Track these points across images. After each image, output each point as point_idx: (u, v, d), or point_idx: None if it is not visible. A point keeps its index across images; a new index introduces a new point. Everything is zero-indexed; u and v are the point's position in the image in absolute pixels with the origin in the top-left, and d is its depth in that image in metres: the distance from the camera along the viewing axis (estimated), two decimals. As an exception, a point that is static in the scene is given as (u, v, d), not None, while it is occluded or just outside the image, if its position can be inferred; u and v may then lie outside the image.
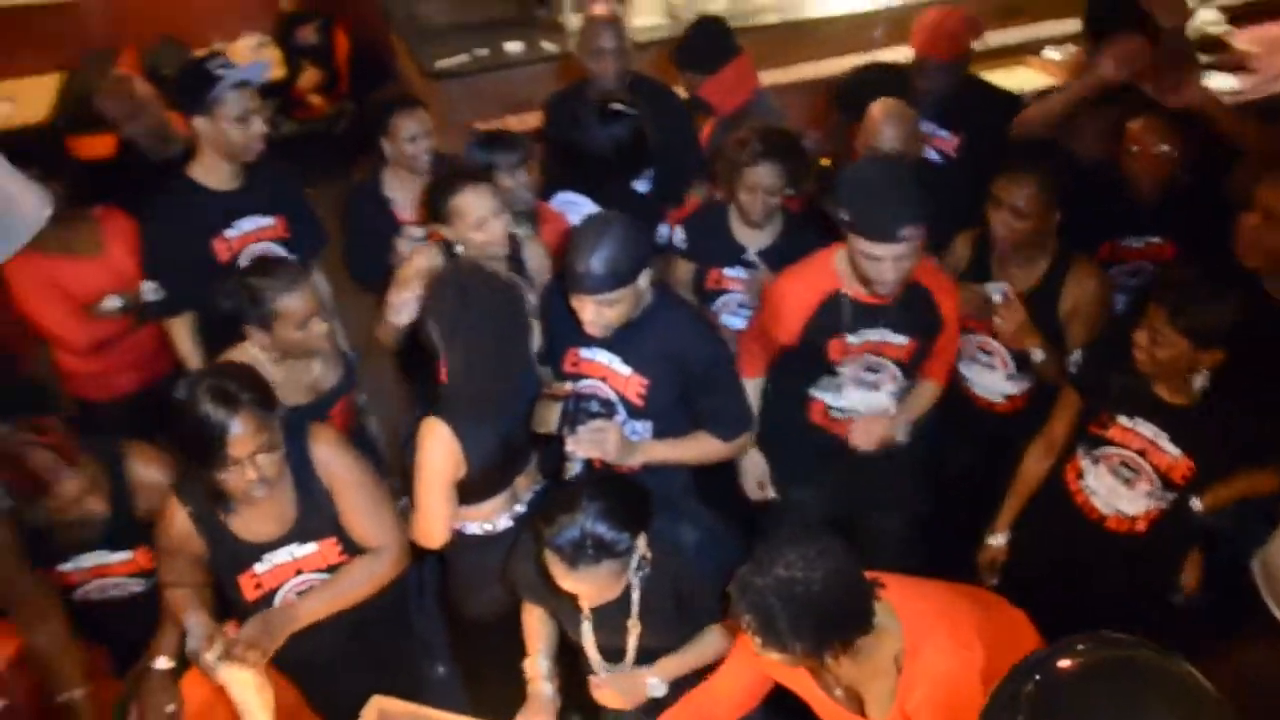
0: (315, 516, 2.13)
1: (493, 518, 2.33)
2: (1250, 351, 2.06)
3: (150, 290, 2.76)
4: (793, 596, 1.56)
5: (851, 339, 2.43)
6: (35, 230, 1.49)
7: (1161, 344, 2.07)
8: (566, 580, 1.85)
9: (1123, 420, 2.26)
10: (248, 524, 2.10)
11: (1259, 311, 2.16)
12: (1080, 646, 1.10)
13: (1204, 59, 4.80)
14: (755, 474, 2.72)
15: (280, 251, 2.82)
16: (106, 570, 2.32)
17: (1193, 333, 2.03)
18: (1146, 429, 2.22)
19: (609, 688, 2.12)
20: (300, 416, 2.32)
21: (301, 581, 2.17)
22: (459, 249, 2.52)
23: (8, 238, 1.45)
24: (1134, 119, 2.81)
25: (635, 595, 1.98)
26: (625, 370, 2.33)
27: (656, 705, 2.09)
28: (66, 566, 2.29)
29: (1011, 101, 3.40)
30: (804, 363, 2.54)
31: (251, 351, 2.39)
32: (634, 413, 2.36)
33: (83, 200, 2.91)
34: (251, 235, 2.79)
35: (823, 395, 2.56)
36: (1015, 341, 2.57)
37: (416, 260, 2.56)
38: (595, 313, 2.15)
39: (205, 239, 2.71)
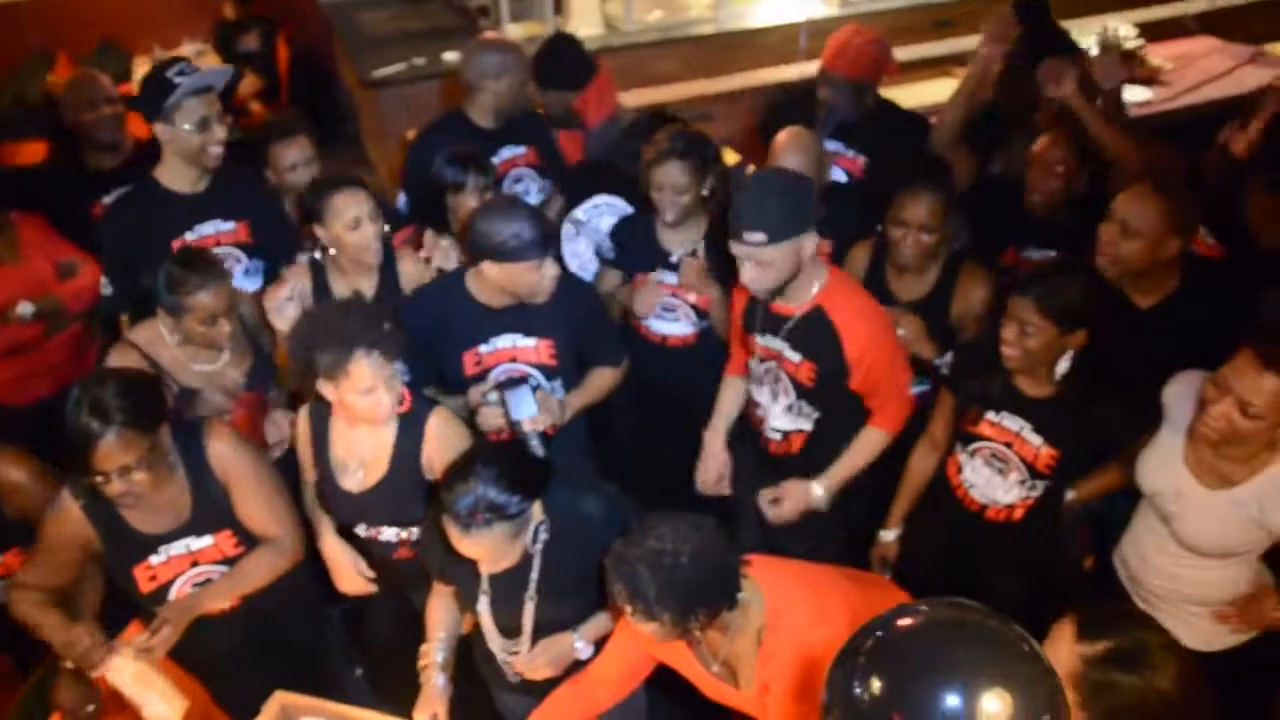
0: (211, 510, 2.17)
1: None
2: (1103, 348, 2.19)
3: (103, 286, 2.82)
4: (660, 567, 1.65)
5: (760, 340, 2.53)
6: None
7: (1031, 334, 2.16)
8: (463, 544, 1.91)
9: (990, 415, 2.36)
10: (143, 516, 2.13)
11: (1112, 311, 2.27)
12: (923, 608, 1.18)
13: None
14: (715, 465, 2.75)
15: (241, 257, 2.86)
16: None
17: (1060, 315, 2.13)
18: (1012, 422, 2.33)
19: (537, 658, 2.14)
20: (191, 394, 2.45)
21: (198, 573, 2.21)
22: (331, 252, 2.61)
23: None
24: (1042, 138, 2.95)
25: (535, 566, 2.04)
26: (531, 341, 2.52)
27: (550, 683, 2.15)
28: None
29: (918, 124, 3.50)
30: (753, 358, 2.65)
31: (160, 329, 2.47)
32: (549, 374, 2.56)
33: (2, 206, 2.93)
34: (210, 239, 2.82)
35: (749, 386, 2.66)
36: (916, 352, 2.67)
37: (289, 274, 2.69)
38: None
39: (165, 240, 2.73)
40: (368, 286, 2.67)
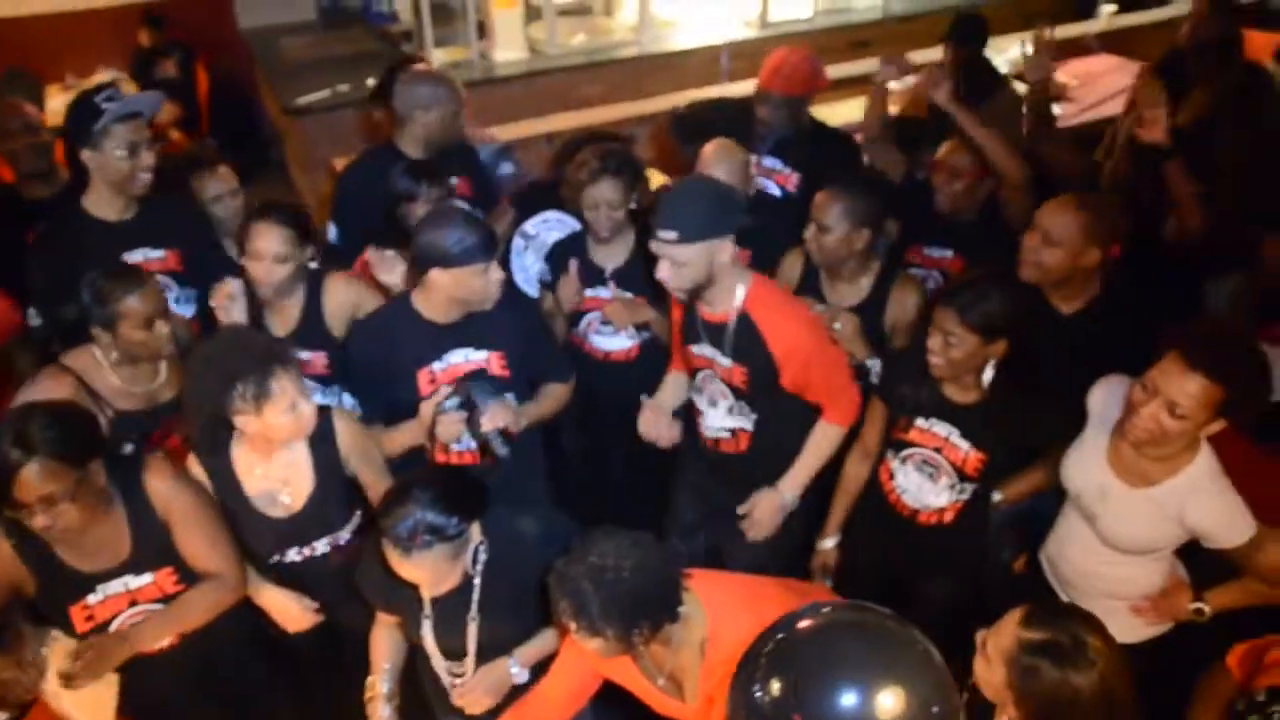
0: (150, 547, 2.12)
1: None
2: (1026, 353, 2.27)
3: (32, 316, 2.75)
4: (603, 582, 1.67)
5: (694, 349, 2.59)
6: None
7: (954, 344, 2.24)
8: (403, 567, 1.91)
9: (920, 422, 2.43)
10: (79, 554, 2.08)
11: (1030, 318, 2.36)
12: (824, 610, 1.22)
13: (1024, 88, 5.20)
14: (654, 414, 2.71)
15: (172, 285, 2.79)
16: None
17: (982, 326, 2.21)
18: (941, 428, 2.41)
19: (475, 687, 2.14)
20: (130, 424, 2.39)
21: (137, 612, 2.15)
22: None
23: None
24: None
25: (476, 585, 2.05)
26: (482, 354, 2.52)
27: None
28: None
29: (848, 142, 3.62)
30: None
31: (94, 353, 2.42)
32: (503, 387, 2.53)
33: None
34: (139, 266, 2.74)
35: (694, 396, 2.70)
36: (849, 350, 2.72)
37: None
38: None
39: (92, 269, 2.65)
40: (292, 314, 2.66)
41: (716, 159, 2.91)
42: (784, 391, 2.53)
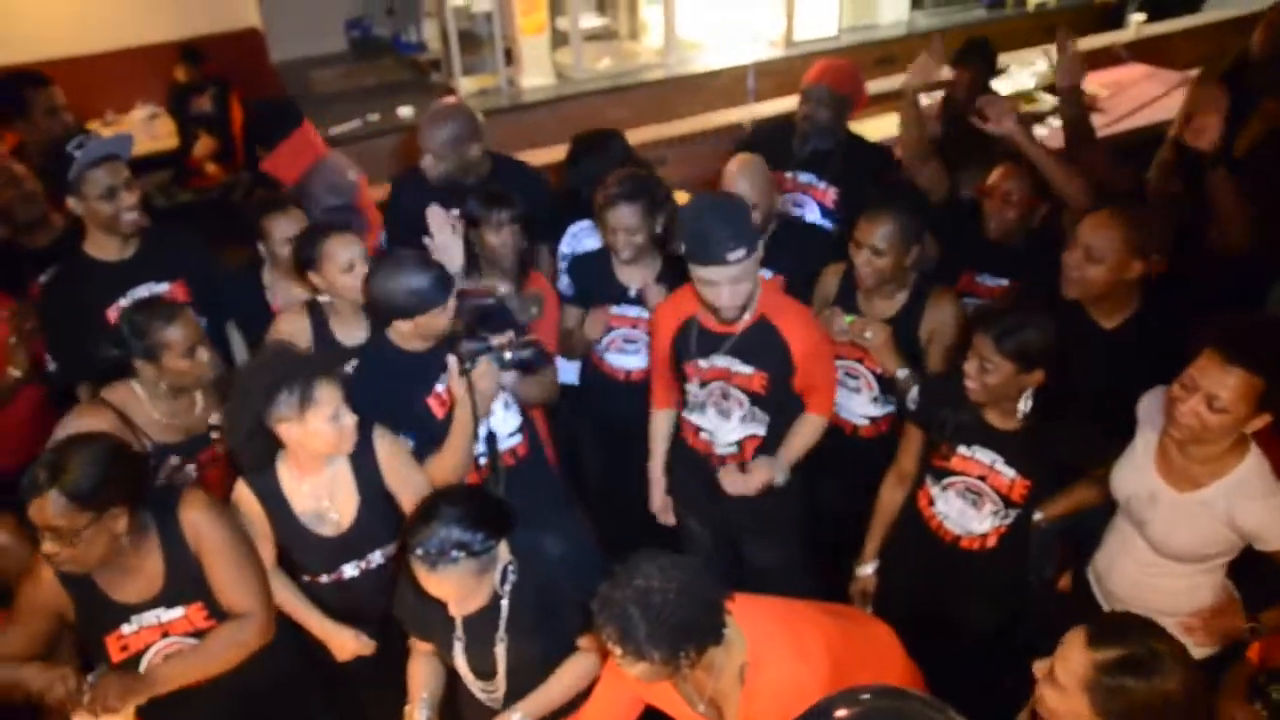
0: (182, 581, 2.14)
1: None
2: (1065, 376, 2.25)
3: (49, 362, 2.81)
4: (650, 605, 1.66)
5: (701, 363, 2.59)
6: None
7: (990, 371, 2.23)
8: (430, 582, 1.93)
9: (962, 450, 2.41)
10: (117, 585, 2.10)
11: (1073, 340, 2.34)
12: (863, 696, 1.19)
13: (1055, 100, 5.16)
14: (662, 495, 2.86)
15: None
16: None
17: (1018, 355, 2.19)
18: (984, 455, 2.38)
19: None
20: (168, 454, 2.43)
21: (168, 644, 2.17)
22: (322, 298, 2.67)
23: None
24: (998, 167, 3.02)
25: (504, 606, 2.06)
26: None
27: None
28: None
29: (884, 155, 3.59)
30: (681, 385, 2.70)
31: (133, 387, 2.47)
32: None
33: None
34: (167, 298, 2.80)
35: (690, 416, 2.70)
36: (880, 361, 2.71)
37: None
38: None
39: (99, 310, 2.73)
40: (361, 331, 2.70)
41: (742, 172, 2.92)
42: (791, 393, 2.57)
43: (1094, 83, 5.30)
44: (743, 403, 2.59)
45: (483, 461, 2.55)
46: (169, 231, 2.91)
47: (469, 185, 3.18)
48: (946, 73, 3.85)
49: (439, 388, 2.53)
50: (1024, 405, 2.28)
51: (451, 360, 2.34)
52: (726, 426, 2.62)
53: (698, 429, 2.68)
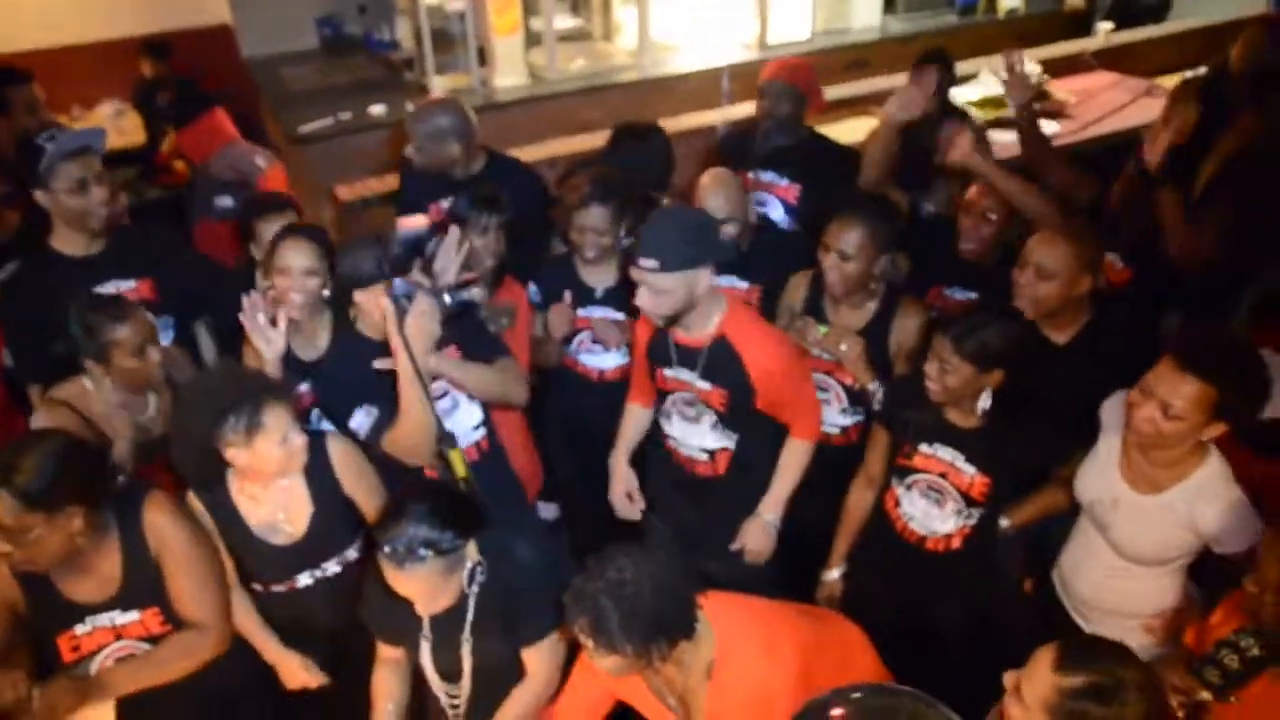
0: (140, 584, 2.11)
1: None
2: (1023, 380, 2.28)
3: (6, 357, 2.78)
4: (623, 597, 1.68)
5: (668, 372, 2.61)
6: None
7: (949, 372, 2.26)
8: (398, 580, 1.93)
9: (924, 448, 2.44)
10: (74, 583, 2.08)
11: (1029, 346, 2.36)
12: (855, 695, 1.20)
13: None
14: (623, 484, 2.82)
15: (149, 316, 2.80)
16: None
17: (975, 357, 2.22)
18: (945, 453, 2.41)
19: None
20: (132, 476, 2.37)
21: (121, 647, 2.14)
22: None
23: None
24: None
25: (470, 607, 2.06)
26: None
27: None
28: None
29: (846, 153, 3.61)
30: (656, 391, 2.71)
31: (84, 384, 2.45)
32: None
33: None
34: (123, 296, 2.74)
35: (661, 422, 2.72)
36: (854, 373, 2.73)
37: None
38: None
39: (63, 305, 2.64)
40: (322, 337, 2.68)
41: (714, 187, 2.93)
42: (759, 412, 2.58)
43: (1062, 89, 5.36)
44: (710, 416, 2.60)
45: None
46: (138, 228, 2.88)
47: (460, 180, 3.19)
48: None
49: None
50: (983, 403, 2.30)
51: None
52: (696, 432, 2.63)
53: (666, 436, 2.69)
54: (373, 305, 2.35)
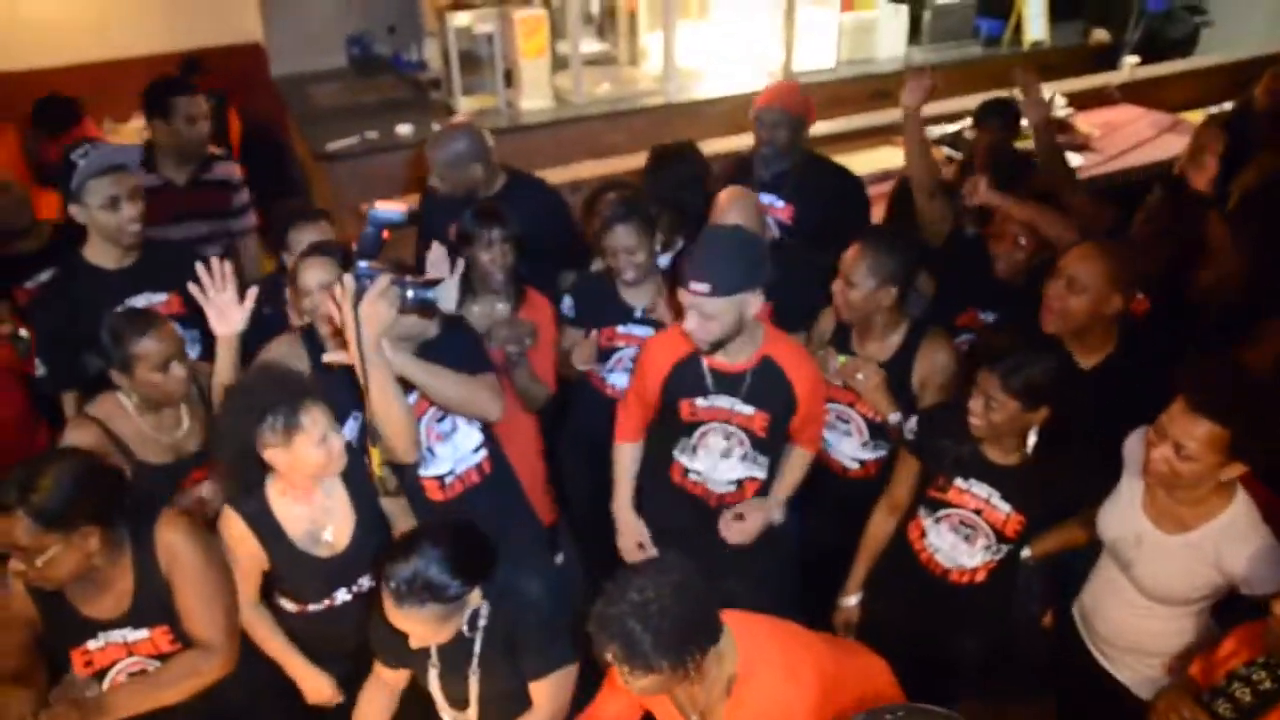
0: (150, 602, 2.11)
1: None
2: (1059, 413, 2.25)
3: (37, 366, 2.79)
4: (649, 615, 1.66)
5: (700, 402, 2.56)
6: None
7: (995, 408, 2.23)
8: (394, 615, 1.90)
9: (959, 483, 2.41)
10: (88, 599, 2.08)
11: (1065, 377, 2.34)
12: (886, 716, 1.18)
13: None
14: (634, 535, 2.78)
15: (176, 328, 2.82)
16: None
17: (1023, 393, 2.20)
18: (980, 489, 2.38)
19: None
20: (156, 478, 2.39)
21: (133, 663, 2.15)
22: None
23: None
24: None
25: (477, 645, 2.04)
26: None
27: None
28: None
29: (841, 174, 3.63)
30: (667, 424, 2.66)
31: (119, 399, 2.45)
32: None
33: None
34: (153, 310, 2.76)
35: (679, 457, 2.67)
36: (872, 404, 2.71)
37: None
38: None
39: (95, 316, 2.66)
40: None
41: (731, 205, 2.92)
42: (786, 436, 2.58)
43: (1086, 123, 5.37)
44: (744, 442, 2.57)
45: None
46: (169, 242, 2.90)
47: (481, 200, 3.20)
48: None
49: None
50: (1031, 440, 2.28)
51: (347, 278, 2.09)
52: (725, 465, 2.60)
53: (685, 470, 2.65)
54: (324, 298, 2.31)
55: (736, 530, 2.61)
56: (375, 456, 2.22)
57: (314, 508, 2.26)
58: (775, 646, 1.84)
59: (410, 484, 2.48)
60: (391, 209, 2.07)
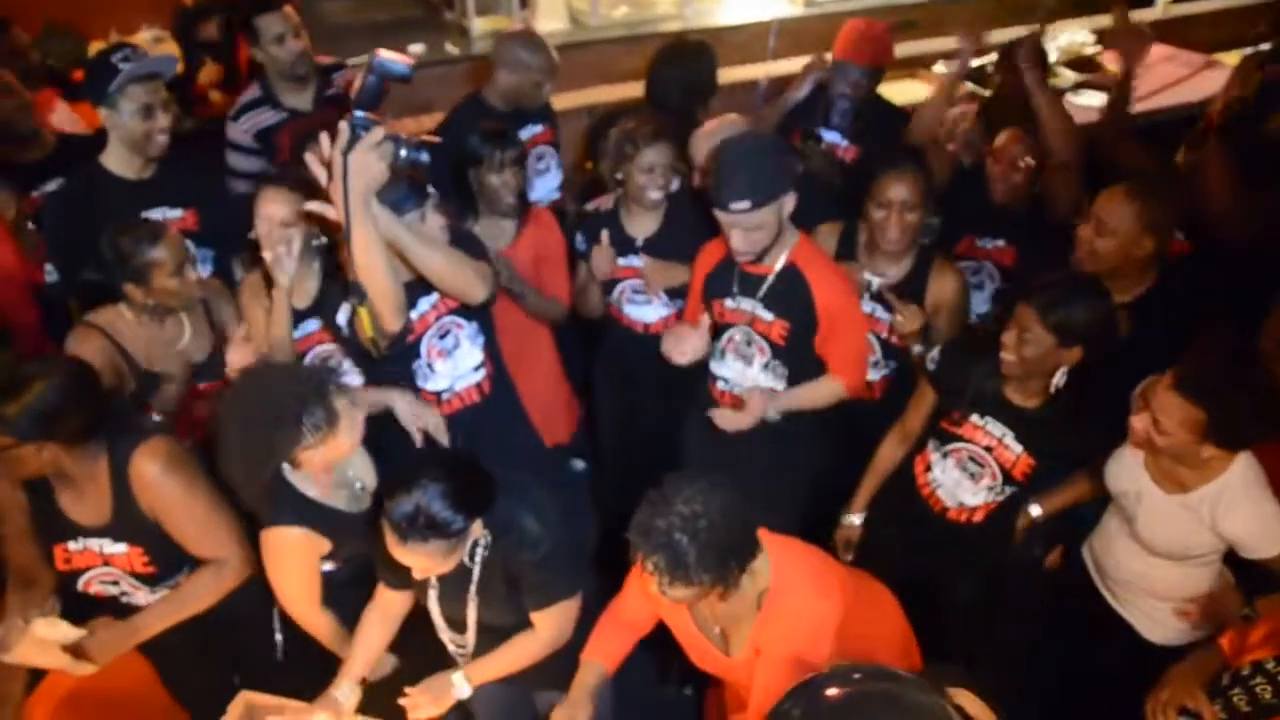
0: (128, 522, 2.13)
1: None
2: (1093, 367, 2.22)
3: (48, 272, 2.78)
4: (697, 530, 1.67)
5: (729, 303, 2.57)
6: None
7: (1029, 342, 2.19)
8: (397, 551, 1.89)
9: (974, 419, 2.39)
10: (72, 502, 2.13)
11: (1112, 328, 2.29)
12: (855, 676, 1.17)
13: (1075, 76, 5.08)
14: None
15: (188, 244, 2.75)
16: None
17: (1060, 329, 2.16)
18: (995, 427, 2.36)
19: (418, 697, 2.18)
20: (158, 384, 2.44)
21: (106, 573, 2.19)
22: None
23: None
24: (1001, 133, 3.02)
25: (475, 574, 2.05)
26: (433, 297, 2.40)
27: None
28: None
29: (902, 117, 3.58)
30: (712, 331, 2.66)
31: (121, 310, 2.46)
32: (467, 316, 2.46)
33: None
34: (154, 219, 2.74)
35: (712, 364, 2.67)
36: (905, 339, 2.71)
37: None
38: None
39: (110, 225, 2.64)
40: (309, 287, 2.60)
41: (721, 128, 2.91)
42: (812, 353, 2.54)
43: (1113, 59, 5.21)
44: (764, 350, 2.55)
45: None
46: (185, 158, 2.88)
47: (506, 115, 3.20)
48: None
49: (413, 315, 2.37)
50: (1058, 380, 2.24)
51: (341, 125, 1.94)
52: (749, 373, 2.59)
53: (715, 378, 2.65)
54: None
55: (728, 418, 2.57)
56: (364, 318, 2.15)
57: (336, 470, 2.22)
58: (806, 566, 1.88)
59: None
60: (396, 59, 1.96)
